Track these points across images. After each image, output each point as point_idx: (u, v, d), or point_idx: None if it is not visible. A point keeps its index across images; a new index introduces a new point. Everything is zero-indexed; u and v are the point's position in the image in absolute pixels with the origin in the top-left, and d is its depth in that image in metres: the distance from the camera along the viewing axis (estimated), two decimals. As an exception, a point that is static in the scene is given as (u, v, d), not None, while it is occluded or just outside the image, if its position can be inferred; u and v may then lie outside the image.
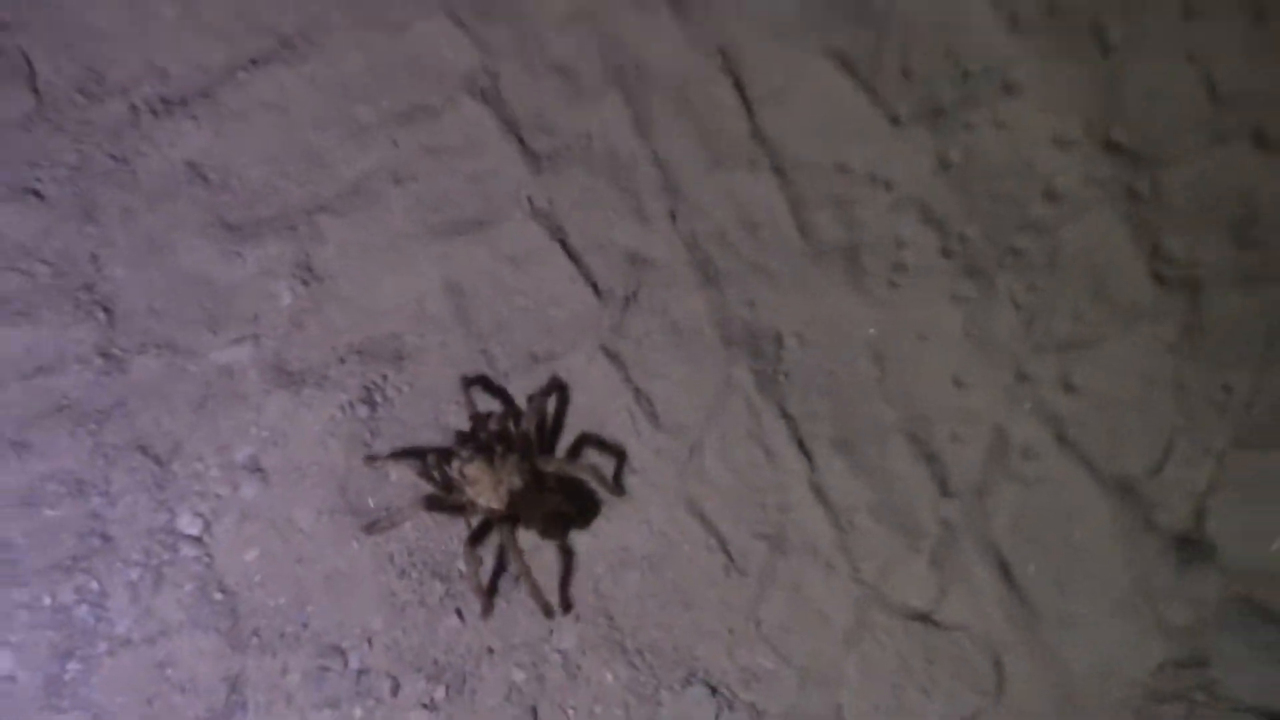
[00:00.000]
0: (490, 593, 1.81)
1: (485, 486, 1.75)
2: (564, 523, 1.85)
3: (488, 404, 1.92)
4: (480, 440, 1.79)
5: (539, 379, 1.92)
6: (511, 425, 1.85)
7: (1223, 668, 1.71)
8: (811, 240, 1.92)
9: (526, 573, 1.74)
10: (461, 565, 1.84)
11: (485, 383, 1.93)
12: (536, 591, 1.75)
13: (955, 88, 1.95)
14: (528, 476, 1.77)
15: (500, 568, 1.84)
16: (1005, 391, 1.81)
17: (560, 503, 1.81)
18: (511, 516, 1.80)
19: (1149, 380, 1.78)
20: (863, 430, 1.84)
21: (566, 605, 1.80)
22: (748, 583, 1.80)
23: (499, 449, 1.76)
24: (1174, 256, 1.81)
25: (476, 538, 1.78)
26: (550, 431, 1.90)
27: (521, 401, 1.92)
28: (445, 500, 1.80)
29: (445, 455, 1.79)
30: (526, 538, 1.84)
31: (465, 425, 1.88)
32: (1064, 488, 1.77)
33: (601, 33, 2.08)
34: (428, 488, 1.80)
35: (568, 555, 1.84)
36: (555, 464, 1.83)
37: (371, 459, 1.92)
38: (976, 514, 1.78)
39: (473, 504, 1.79)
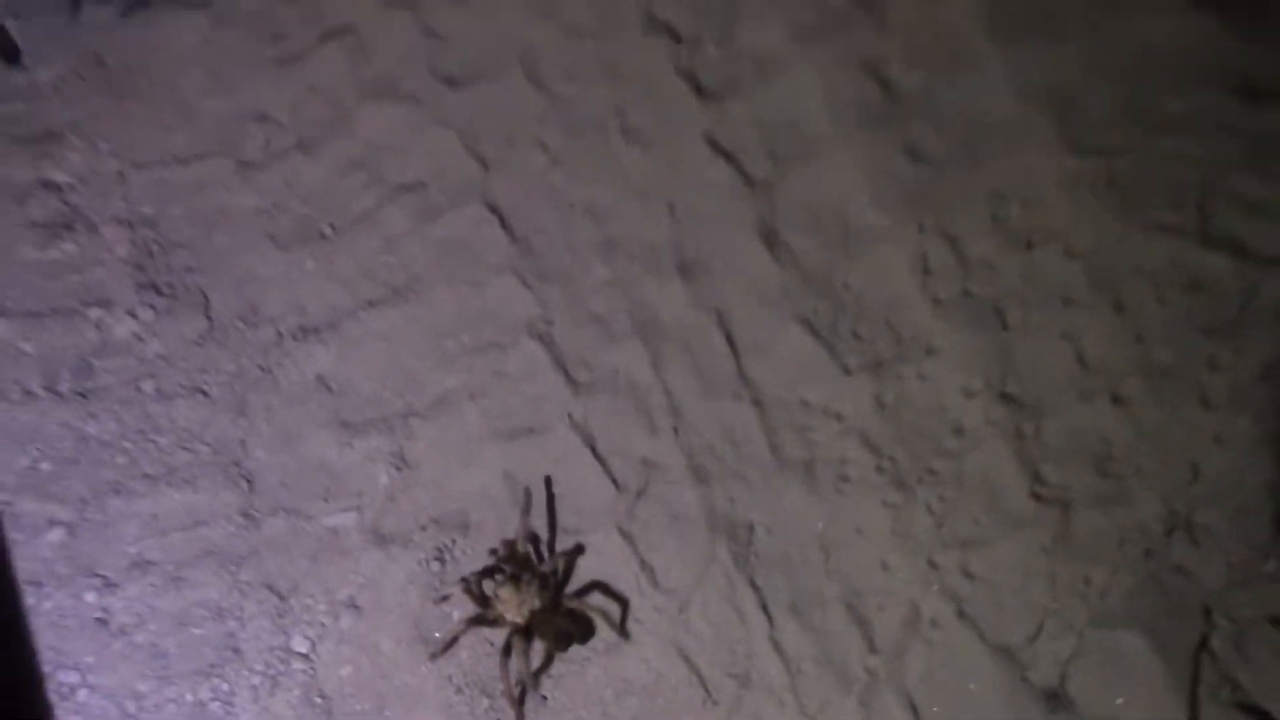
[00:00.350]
0: (520, 701, 2.19)
1: (512, 605, 2.17)
2: (568, 640, 2.22)
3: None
4: (511, 569, 2.19)
5: (568, 545, 2.31)
6: (534, 560, 2.26)
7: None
8: (779, 455, 2.28)
9: (530, 677, 2.16)
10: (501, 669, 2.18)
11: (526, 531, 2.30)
12: (520, 698, 2.18)
13: (891, 348, 2.30)
14: (546, 601, 2.18)
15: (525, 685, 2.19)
16: (920, 575, 2.16)
17: (567, 625, 2.20)
18: (528, 631, 2.18)
19: (1028, 572, 2.11)
20: (811, 599, 2.18)
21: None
22: (720, 711, 2.17)
23: (525, 576, 2.18)
24: (1049, 481, 2.16)
25: (507, 651, 2.16)
26: (564, 576, 2.28)
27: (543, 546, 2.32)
28: (484, 616, 2.19)
29: (484, 574, 2.21)
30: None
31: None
32: (961, 651, 2.10)
33: (629, 294, 2.43)
34: (473, 610, 2.19)
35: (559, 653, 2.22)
36: (575, 601, 2.21)
37: (441, 599, 2.30)
38: (895, 667, 2.12)
39: (501, 618, 2.17)
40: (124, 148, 2.60)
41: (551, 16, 2.47)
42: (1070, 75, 2.23)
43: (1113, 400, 2.19)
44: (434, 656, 2.29)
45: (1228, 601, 2.07)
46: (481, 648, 2.30)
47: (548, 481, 2.36)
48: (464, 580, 2.23)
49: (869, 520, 2.23)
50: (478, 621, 2.22)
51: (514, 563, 2.24)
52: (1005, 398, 2.23)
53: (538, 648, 2.24)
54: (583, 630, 2.25)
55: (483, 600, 2.22)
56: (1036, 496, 2.18)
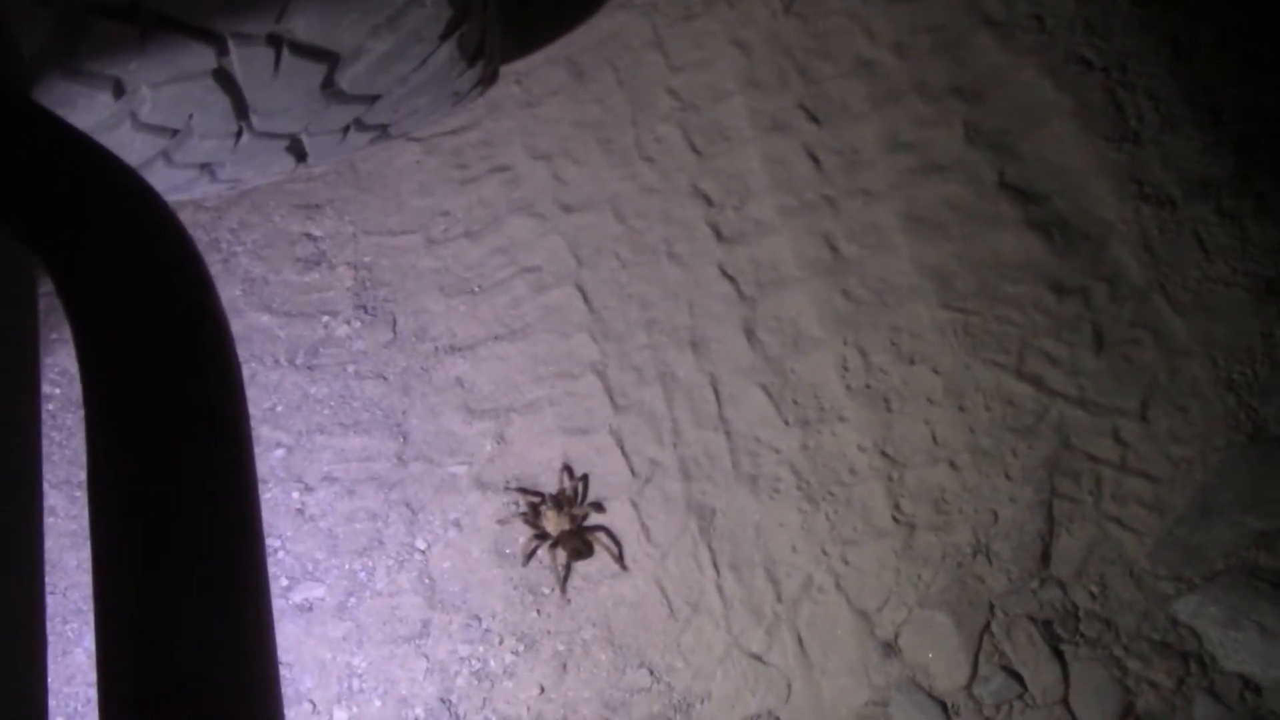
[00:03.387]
0: (563, 579, 2.28)
1: (552, 521, 2.28)
2: (579, 555, 2.28)
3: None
4: (555, 502, 2.30)
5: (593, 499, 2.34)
6: (570, 503, 2.33)
7: None
8: (737, 469, 2.29)
9: (566, 565, 2.27)
10: (544, 559, 2.29)
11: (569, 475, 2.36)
12: (565, 571, 2.27)
13: (816, 413, 2.31)
14: (573, 527, 2.28)
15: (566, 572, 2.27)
16: (815, 557, 2.17)
17: (581, 545, 2.27)
18: (557, 541, 2.27)
19: (883, 565, 2.14)
20: (744, 562, 2.18)
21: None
22: (678, 623, 2.18)
23: (564, 508, 2.29)
24: (904, 510, 2.17)
25: (552, 547, 2.27)
26: (585, 516, 2.32)
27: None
28: (535, 524, 2.29)
29: (541, 502, 2.32)
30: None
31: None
32: (835, 609, 2.12)
33: (658, 356, 2.44)
34: (529, 530, 2.31)
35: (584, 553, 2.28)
36: (590, 534, 2.29)
37: (500, 521, 2.37)
38: (792, 613, 2.13)
39: (545, 530, 2.29)
40: (359, 219, 2.69)
41: (633, 179, 2.55)
42: (949, 261, 2.30)
43: (950, 465, 2.25)
44: (524, 563, 2.37)
45: (1006, 602, 2.14)
46: (532, 566, 2.36)
47: (584, 478, 2.43)
48: (530, 500, 2.34)
49: (788, 518, 2.29)
50: (532, 527, 2.32)
51: (558, 500, 2.36)
52: (884, 454, 2.29)
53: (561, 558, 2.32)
54: (589, 552, 2.32)
55: (535, 516, 2.32)
56: (895, 519, 2.24)
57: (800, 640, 2.13)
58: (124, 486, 0.81)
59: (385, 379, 2.58)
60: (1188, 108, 2.32)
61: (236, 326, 2.67)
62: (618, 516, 2.33)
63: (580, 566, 2.29)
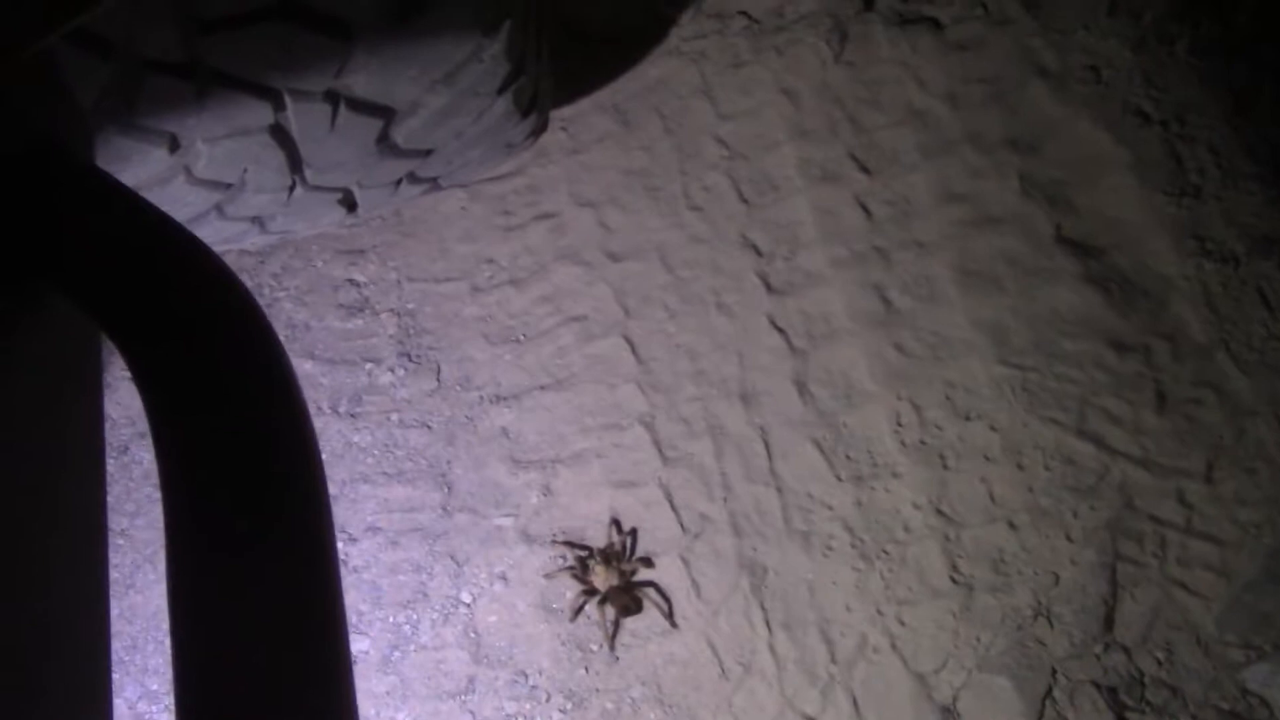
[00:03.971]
0: (612, 635, 2.26)
1: (601, 576, 2.26)
2: (628, 611, 2.26)
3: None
4: (604, 557, 2.29)
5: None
6: (619, 558, 2.32)
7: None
8: (789, 525, 2.27)
9: (615, 621, 2.26)
10: (592, 614, 2.28)
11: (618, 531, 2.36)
12: (613, 627, 2.26)
13: (869, 469, 2.29)
14: (622, 583, 2.27)
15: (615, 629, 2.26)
16: (870, 617, 2.14)
17: (631, 599, 2.26)
18: (606, 596, 2.25)
19: (940, 627, 2.12)
20: (797, 621, 2.17)
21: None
22: (729, 684, 2.16)
23: (613, 562, 2.27)
24: (962, 571, 2.16)
25: (601, 603, 2.26)
26: (634, 572, 2.31)
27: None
28: (584, 579, 2.27)
29: (590, 556, 2.31)
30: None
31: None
32: (891, 671, 2.10)
33: (706, 408, 2.44)
34: (577, 585, 2.29)
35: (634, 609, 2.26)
36: (639, 589, 2.27)
37: (547, 575, 2.36)
38: (847, 674, 2.11)
39: (593, 585, 2.27)
40: (403, 266, 2.70)
41: (681, 228, 2.55)
42: (1004, 315, 2.30)
43: (1009, 525, 2.23)
44: (572, 619, 2.36)
45: (1068, 666, 2.12)
46: (580, 621, 2.35)
47: (633, 532, 2.43)
48: (578, 554, 2.34)
49: (842, 577, 2.27)
50: (580, 582, 2.31)
51: (607, 555, 2.35)
52: (940, 513, 2.27)
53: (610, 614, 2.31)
54: (638, 608, 2.32)
55: (583, 571, 2.31)
56: (952, 579, 2.22)
57: (855, 702, 2.11)
58: (207, 572, 0.82)
59: (429, 428, 2.56)
60: (1249, 161, 2.30)
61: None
62: (667, 572, 2.31)
63: (629, 623, 2.27)
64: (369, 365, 2.67)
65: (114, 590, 2.52)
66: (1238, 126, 2.35)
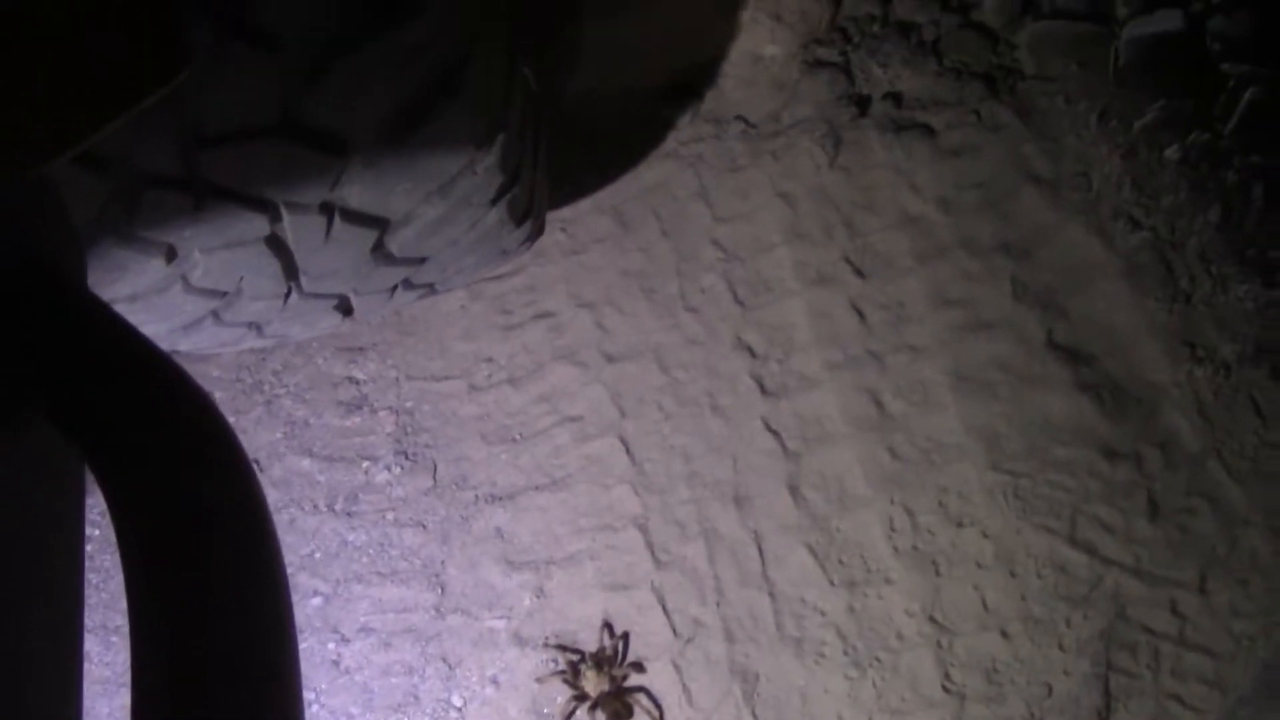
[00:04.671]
0: None
1: (592, 682, 2.27)
2: (619, 717, 2.27)
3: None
4: (595, 661, 2.29)
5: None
6: (610, 663, 2.32)
7: None
8: (781, 631, 2.28)
9: None
10: None
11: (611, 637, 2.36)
12: None
13: (862, 574, 2.31)
14: (612, 688, 2.28)
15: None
16: None
17: (622, 705, 2.27)
18: (597, 702, 2.26)
19: None
20: None
21: None
22: None
23: (604, 667, 2.28)
24: (954, 680, 2.17)
25: (591, 709, 2.27)
26: (625, 677, 2.32)
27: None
28: (574, 684, 2.29)
29: (581, 660, 2.32)
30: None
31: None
32: None
33: (700, 511, 2.47)
34: (568, 690, 2.30)
35: None
36: (630, 695, 2.28)
37: (539, 679, 2.36)
38: None
39: (584, 690, 2.28)
40: (402, 364, 2.74)
41: (677, 329, 2.59)
42: (997, 421, 2.32)
43: (1001, 634, 2.24)
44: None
45: (1060, 781, 2.08)
46: None
47: (625, 636, 2.43)
48: (569, 658, 2.35)
49: (833, 684, 2.29)
50: (571, 687, 2.33)
51: (598, 659, 2.36)
52: (932, 620, 2.28)
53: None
54: (628, 715, 2.32)
55: (574, 675, 2.32)
56: (945, 688, 2.23)
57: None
58: (167, 658, 0.85)
59: (424, 527, 2.59)
60: (1239, 268, 2.34)
61: (277, 471, 2.72)
62: (659, 678, 2.31)
63: (619, 730, 2.27)
64: (366, 463, 2.71)
65: (106, 689, 2.54)
66: (1227, 233, 2.39)
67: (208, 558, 0.97)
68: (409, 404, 2.78)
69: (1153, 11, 2.60)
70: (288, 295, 2.03)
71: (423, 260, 2.11)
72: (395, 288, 2.19)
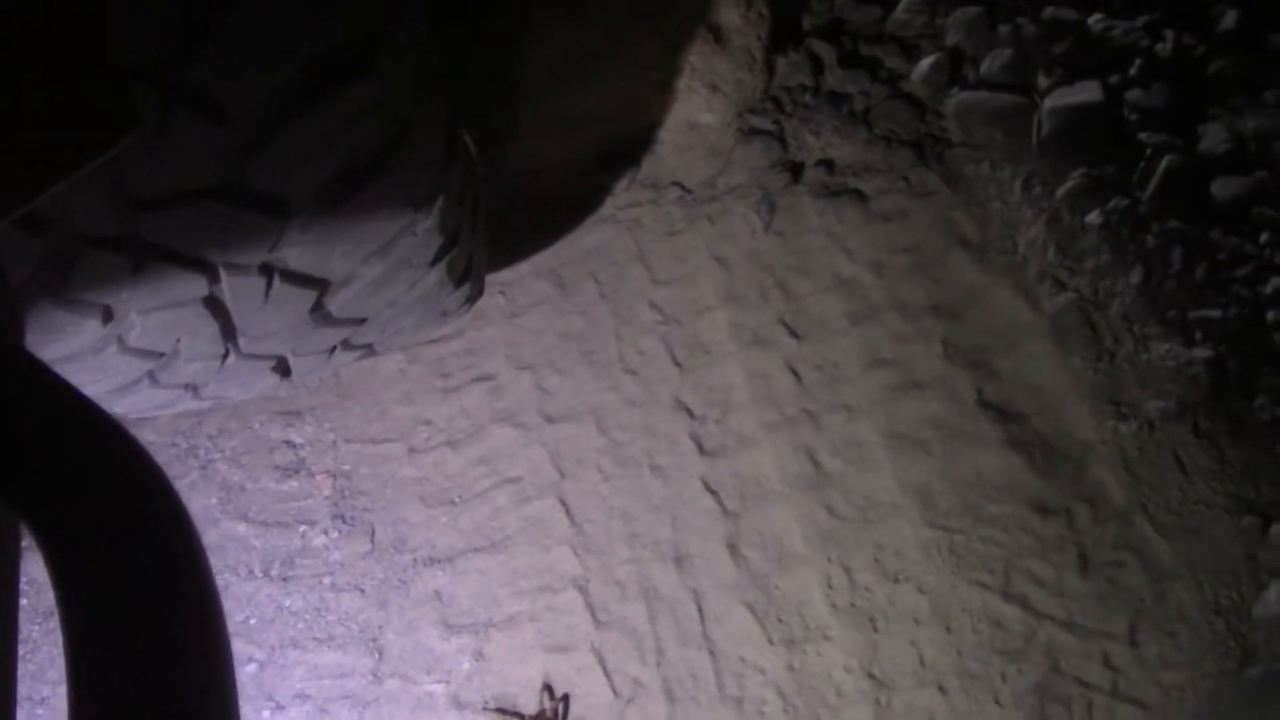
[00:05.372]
0: None
1: None
2: None
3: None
4: None
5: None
6: None
7: None
8: (722, 690, 2.30)
9: None
10: None
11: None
12: None
13: (801, 631, 2.32)
14: None
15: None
16: None
17: None
18: None
19: None
20: None
21: None
22: None
23: None
24: None
25: None
26: None
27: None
28: None
29: None
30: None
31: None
32: None
33: (640, 571, 2.48)
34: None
35: None
36: None
37: None
38: None
39: None
40: (340, 427, 2.74)
41: (616, 390, 2.63)
42: (931, 479, 2.37)
43: (939, 689, 2.26)
44: None
45: (998, 837, 2.10)
46: None
47: (565, 698, 2.42)
48: (510, 720, 2.26)
49: (773, 744, 2.26)
50: None
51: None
52: (870, 676, 2.30)
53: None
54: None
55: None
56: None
57: None
58: None
59: (362, 591, 2.57)
60: (1161, 328, 2.44)
61: (211, 536, 2.69)
62: (598, 741, 2.24)
63: (559, 796, 2.21)
64: (303, 527, 2.70)
65: (29, 763, 2.48)
66: (1148, 294, 2.49)
67: (151, 620, 0.97)
68: (347, 467, 2.78)
69: (1073, 83, 2.73)
70: (225, 356, 2.04)
71: (362, 321, 2.14)
72: (334, 348, 2.21)
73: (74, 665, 0.93)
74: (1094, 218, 2.61)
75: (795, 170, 2.81)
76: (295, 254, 1.83)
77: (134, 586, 0.98)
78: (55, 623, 2.45)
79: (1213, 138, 2.64)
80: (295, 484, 2.74)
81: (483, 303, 2.74)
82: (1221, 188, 2.59)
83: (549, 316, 2.84)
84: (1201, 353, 2.41)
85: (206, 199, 1.65)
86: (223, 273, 1.80)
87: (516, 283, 2.90)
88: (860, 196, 2.76)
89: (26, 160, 0.98)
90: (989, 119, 2.74)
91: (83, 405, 1.10)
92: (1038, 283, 2.57)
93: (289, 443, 2.79)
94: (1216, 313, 2.45)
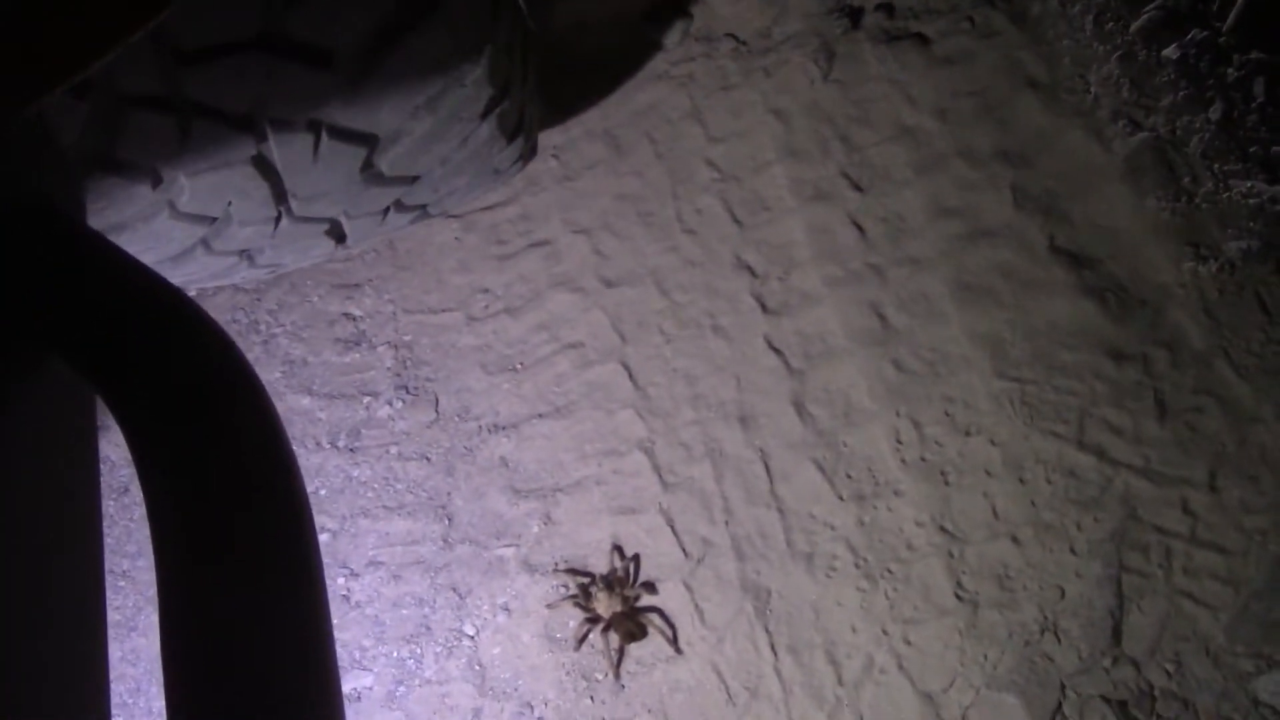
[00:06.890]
0: (617, 664, 2.26)
1: (604, 604, 2.27)
2: (633, 637, 2.26)
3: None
4: (608, 583, 2.29)
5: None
6: (623, 584, 2.31)
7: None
8: (791, 547, 2.26)
9: (620, 649, 2.25)
10: (597, 643, 2.28)
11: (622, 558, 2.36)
12: (618, 654, 2.25)
13: (871, 487, 2.27)
14: (626, 609, 2.27)
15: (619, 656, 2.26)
16: (876, 638, 2.13)
17: (635, 626, 2.26)
18: (610, 624, 2.27)
19: (947, 645, 2.11)
20: (803, 644, 2.17)
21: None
22: (735, 710, 2.16)
23: (616, 589, 2.28)
24: (966, 587, 2.14)
25: (605, 630, 2.27)
26: (638, 598, 2.31)
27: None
28: (586, 608, 2.28)
29: (592, 583, 2.31)
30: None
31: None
32: (898, 691, 2.09)
33: (705, 432, 2.43)
34: (580, 614, 2.29)
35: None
36: (643, 615, 2.28)
37: (549, 605, 2.35)
38: (854, 697, 2.10)
39: (597, 613, 2.28)
40: (399, 298, 2.70)
41: (675, 252, 2.56)
42: (1001, 329, 2.29)
43: (1012, 540, 2.22)
44: (577, 648, 2.35)
45: (1076, 681, 2.10)
46: (584, 650, 2.34)
47: (635, 558, 2.41)
48: (580, 582, 2.34)
49: (846, 597, 2.27)
50: (583, 610, 2.31)
51: (609, 582, 2.35)
52: (942, 529, 2.27)
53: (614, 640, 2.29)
54: (642, 634, 2.31)
55: (586, 599, 2.31)
56: (957, 596, 2.21)
57: (863, 725, 2.08)
58: (194, 603, 0.86)
59: (429, 460, 2.57)
60: (1242, 165, 2.30)
61: (277, 409, 2.67)
62: (670, 598, 2.31)
63: (634, 650, 2.27)
64: (367, 399, 2.68)
65: (116, 632, 2.53)
66: (1229, 130, 2.35)
67: (232, 489, 0.94)
68: (407, 338, 2.75)
69: (1147, -91, 2.54)
70: (278, 220, 1.99)
71: (414, 179, 2.07)
72: (387, 210, 2.15)
73: (159, 538, 0.90)
74: (1171, 52, 2.45)
75: (854, 15, 2.67)
76: (342, 109, 1.76)
77: (214, 452, 0.95)
78: (130, 498, 2.47)
79: (1301, -41, 2.45)
80: (357, 356, 2.71)
81: (535, 167, 2.66)
82: (1311, 12, 2.40)
83: (604, 179, 2.75)
84: (1287, 189, 2.27)
85: (246, 50, 1.59)
86: (269, 130, 1.74)
87: (569, 145, 2.81)
88: (922, 40, 2.61)
89: (73, 30, 0.91)
90: (1059, -50, 2.56)
91: (149, 278, 1.05)
92: (1110, 123, 2.44)
93: (349, 315, 2.76)
94: (1302, 146, 2.30)
